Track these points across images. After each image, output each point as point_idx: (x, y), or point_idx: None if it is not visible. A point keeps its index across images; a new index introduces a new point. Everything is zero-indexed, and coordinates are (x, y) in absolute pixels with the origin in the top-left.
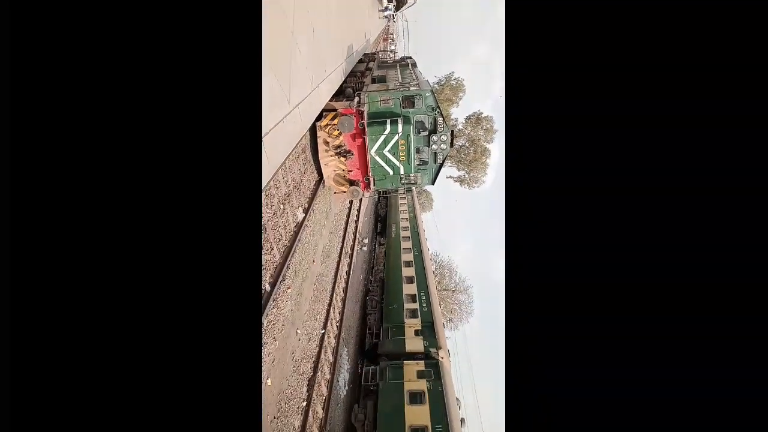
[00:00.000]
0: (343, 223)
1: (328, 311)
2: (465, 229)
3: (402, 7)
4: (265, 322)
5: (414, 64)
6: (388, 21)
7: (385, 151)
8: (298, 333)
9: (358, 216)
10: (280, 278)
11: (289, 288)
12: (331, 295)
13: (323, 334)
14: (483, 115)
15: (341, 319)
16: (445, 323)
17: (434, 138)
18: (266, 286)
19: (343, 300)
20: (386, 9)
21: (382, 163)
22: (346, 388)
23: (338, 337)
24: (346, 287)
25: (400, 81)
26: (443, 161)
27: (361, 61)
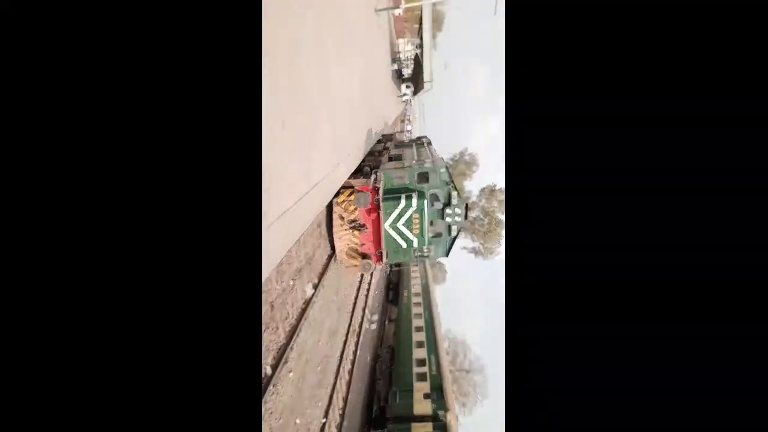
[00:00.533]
0: (353, 298)
1: (330, 397)
2: (479, 301)
3: (419, 92)
4: (262, 410)
5: (429, 143)
6: (406, 105)
7: (399, 225)
8: (297, 423)
9: (368, 290)
10: (283, 360)
11: (291, 371)
12: (335, 378)
13: (324, 424)
14: (497, 188)
15: (344, 406)
16: (458, 408)
17: (448, 211)
18: (267, 369)
19: (348, 383)
20: (404, 95)
21: (396, 236)
22: None
23: (340, 426)
24: (352, 369)
25: (416, 159)
26: (457, 233)
27: (379, 141)
